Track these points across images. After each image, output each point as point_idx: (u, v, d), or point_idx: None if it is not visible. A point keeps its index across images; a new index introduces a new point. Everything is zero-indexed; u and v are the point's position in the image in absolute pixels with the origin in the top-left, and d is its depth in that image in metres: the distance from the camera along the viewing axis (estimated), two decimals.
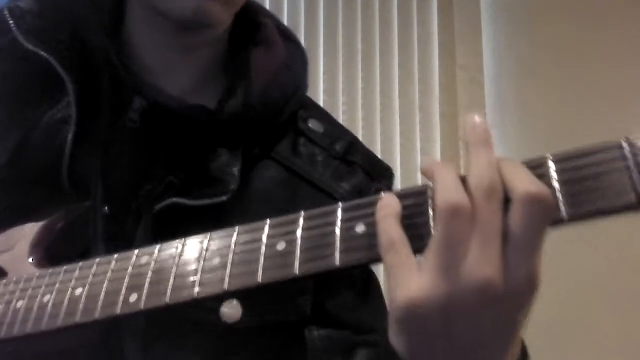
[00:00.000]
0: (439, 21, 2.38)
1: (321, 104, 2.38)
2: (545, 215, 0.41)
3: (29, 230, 0.67)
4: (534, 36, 2.34)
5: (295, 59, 0.81)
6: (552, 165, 0.43)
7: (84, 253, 0.65)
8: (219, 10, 0.70)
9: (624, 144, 0.41)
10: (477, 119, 0.44)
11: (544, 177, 0.42)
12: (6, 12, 0.74)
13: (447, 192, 0.42)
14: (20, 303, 0.58)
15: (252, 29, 0.80)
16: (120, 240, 0.66)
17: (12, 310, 0.58)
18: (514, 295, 0.41)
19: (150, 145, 0.71)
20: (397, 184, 2.46)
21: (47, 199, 0.68)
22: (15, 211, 0.69)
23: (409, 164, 2.28)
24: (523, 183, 0.41)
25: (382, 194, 0.47)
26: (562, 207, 0.41)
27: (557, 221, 0.42)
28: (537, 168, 0.43)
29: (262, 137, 0.75)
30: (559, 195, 0.42)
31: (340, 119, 2.35)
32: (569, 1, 2.34)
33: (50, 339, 0.58)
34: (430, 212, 0.44)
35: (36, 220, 0.68)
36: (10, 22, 0.72)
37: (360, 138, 2.63)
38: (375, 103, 2.36)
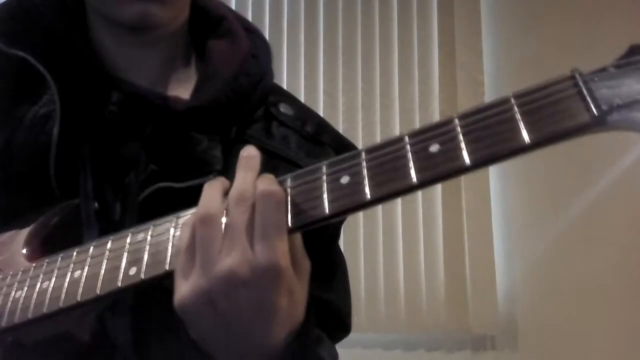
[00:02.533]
0: (439, 21, 2.38)
1: (321, 104, 2.41)
2: (275, 206, 0.50)
3: (24, 232, 0.68)
4: (534, 36, 2.34)
5: (259, 48, 0.85)
6: (514, 101, 0.48)
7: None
8: (161, 13, 0.73)
9: (576, 75, 0.46)
10: (252, 150, 0.55)
11: (508, 111, 0.47)
12: None
13: (202, 202, 0.52)
14: (19, 293, 0.60)
15: (214, 23, 0.84)
16: (110, 230, 0.67)
17: (11, 300, 0.60)
18: (259, 278, 0.49)
19: (131, 135, 0.73)
20: None
21: (34, 202, 0.70)
22: (4, 216, 0.70)
23: None
24: (258, 185, 0.51)
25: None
26: (525, 135, 0.45)
27: (519, 148, 0.46)
28: (500, 105, 0.48)
29: (235, 123, 0.78)
30: (521, 125, 0.46)
31: (340, 119, 2.36)
32: (569, 1, 2.34)
33: (50, 325, 0.59)
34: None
35: (23, 224, 0.69)
36: None
37: (360, 138, 2.63)
38: (375, 103, 2.36)
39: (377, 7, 2.43)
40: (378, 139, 2.32)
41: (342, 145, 0.85)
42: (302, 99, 2.74)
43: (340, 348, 0.78)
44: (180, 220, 0.56)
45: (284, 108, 0.83)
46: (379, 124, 2.34)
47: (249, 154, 0.54)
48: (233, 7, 2.52)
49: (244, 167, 0.53)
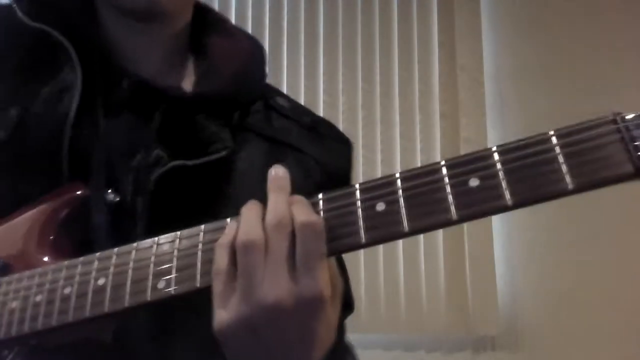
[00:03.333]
0: (439, 21, 2.38)
1: (321, 104, 2.41)
2: (316, 237, 0.50)
3: (30, 220, 0.67)
4: (534, 36, 2.34)
5: (257, 48, 0.88)
6: (555, 141, 0.47)
7: (91, 237, 0.67)
8: (168, 1, 0.75)
9: (618, 119, 0.46)
10: (279, 170, 0.54)
11: (549, 152, 0.47)
12: None
13: (244, 228, 0.51)
14: (39, 297, 0.59)
15: (213, 23, 0.87)
16: (122, 215, 0.69)
17: (31, 304, 0.59)
18: (304, 307, 0.50)
19: (140, 121, 0.75)
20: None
21: (45, 185, 0.69)
22: (11, 197, 0.70)
23: (409, 164, 2.28)
24: (298, 215, 0.51)
25: (224, 223, 0.55)
26: (568, 179, 0.46)
27: (563, 192, 0.46)
28: (541, 143, 0.47)
29: (237, 110, 0.81)
30: (563, 167, 0.46)
31: (340, 119, 2.35)
32: (569, 1, 2.34)
33: (74, 330, 0.58)
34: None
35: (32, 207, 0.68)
36: (13, 3, 0.78)
37: (360, 138, 2.62)
38: (375, 103, 2.36)
39: (377, 7, 2.43)
40: (378, 139, 2.32)
41: (338, 136, 0.88)
42: (302, 99, 2.74)
43: None
44: (206, 236, 0.55)
45: (281, 101, 0.86)
46: (379, 124, 2.34)
47: (277, 175, 0.54)
48: (233, 7, 2.53)
49: (275, 189, 0.53)
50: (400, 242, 2.25)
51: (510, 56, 2.36)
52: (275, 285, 0.49)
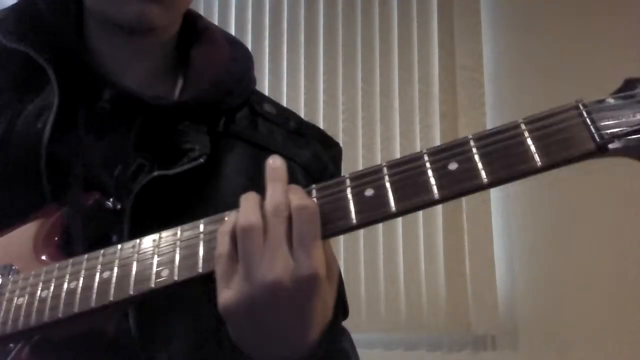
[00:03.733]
0: (439, 21, 2.39)
1: (321, 104, 2.41)
2: (311, 219, 0.53)
3: (37, 227, 0.69)
4: (533, 36, 2.34)
5: (239, 54, 0.90)
6: (524, 127, 0.53)
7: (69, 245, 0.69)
8: (159, 15, 0.76)
9: (580, 105, 0.51)
10: (277, 161, 0.57)
11: (519, 136, 0.52)
12: None
13: (243, 214, 0.54)
14: (45, 293, 0.61)
15: (198, 32, 0.89)
16: (102, 224, 0.71)
17: (38, 299, 0.60)
18: (301, 287, 0.52)
19: (120, 131, 0.77)
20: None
21: (31, 199, 0.71)
22: (4, 209, 0.72)
23: None
24: (294, 199, 0.54)
25: (223, 215, 0.57)
26: (538, 158, 0.51)
27: (533, 170, 0.51)
28: (512, 129, 0.53)
29: (221, 117, 0.83)
30: (534, 149, 0.51)
31: (340, 119, 2.36)
32: (568, 2, 2.34)
33: (79, 323, 0.60)
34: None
35: (18, 218, 0.70)
36: None
37: (360, 138, 2.62)
38: (375, 103, 2.36)
39: (377, 7, 2.43)
40: (378, 139, 2.32)
41: (325, 139, 0.91)
42: (302, 99, 2.74)
43: None
44: (207, 227, 0.58)
45: (267, 107, 0.88)
46: (379, 124, 2.34)
47: (275, 165, 0.57)
48: (233, 7, 2.53)
49: (273, 179, 0.56)
50: (400, 241, 2.25)
51: (510, 56, 2.37)
52: (273, 265, 0.52)
